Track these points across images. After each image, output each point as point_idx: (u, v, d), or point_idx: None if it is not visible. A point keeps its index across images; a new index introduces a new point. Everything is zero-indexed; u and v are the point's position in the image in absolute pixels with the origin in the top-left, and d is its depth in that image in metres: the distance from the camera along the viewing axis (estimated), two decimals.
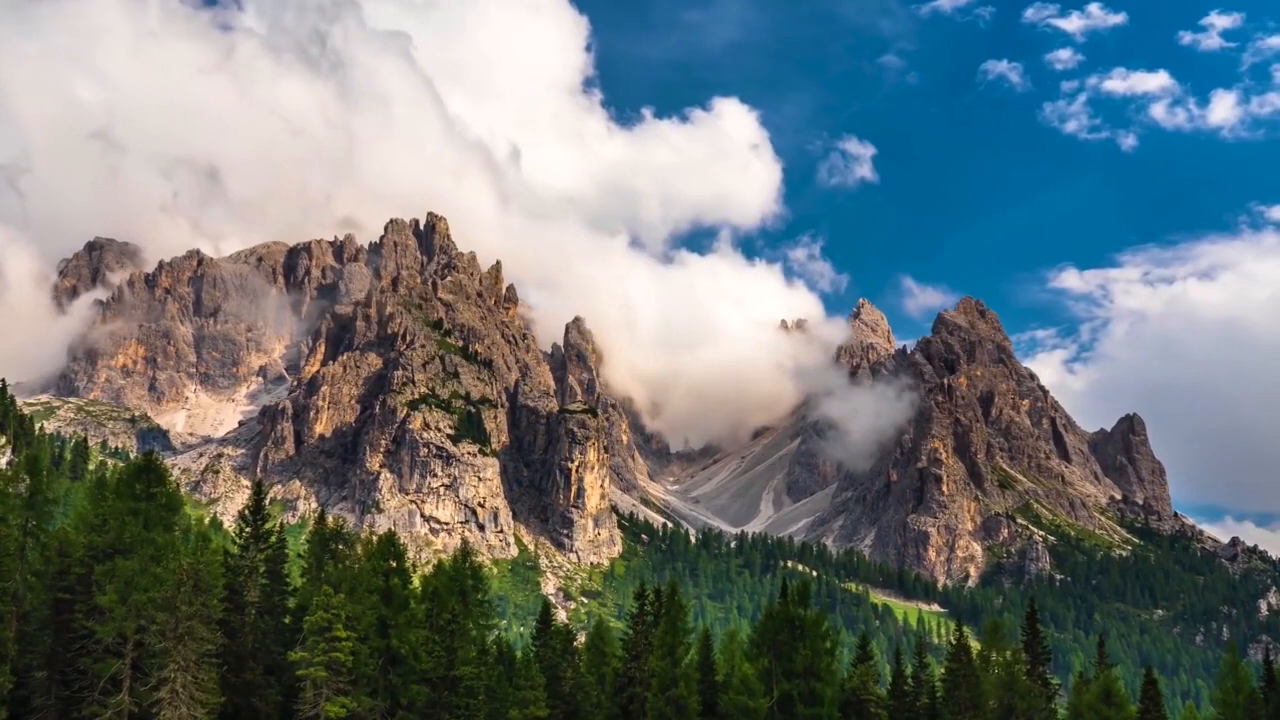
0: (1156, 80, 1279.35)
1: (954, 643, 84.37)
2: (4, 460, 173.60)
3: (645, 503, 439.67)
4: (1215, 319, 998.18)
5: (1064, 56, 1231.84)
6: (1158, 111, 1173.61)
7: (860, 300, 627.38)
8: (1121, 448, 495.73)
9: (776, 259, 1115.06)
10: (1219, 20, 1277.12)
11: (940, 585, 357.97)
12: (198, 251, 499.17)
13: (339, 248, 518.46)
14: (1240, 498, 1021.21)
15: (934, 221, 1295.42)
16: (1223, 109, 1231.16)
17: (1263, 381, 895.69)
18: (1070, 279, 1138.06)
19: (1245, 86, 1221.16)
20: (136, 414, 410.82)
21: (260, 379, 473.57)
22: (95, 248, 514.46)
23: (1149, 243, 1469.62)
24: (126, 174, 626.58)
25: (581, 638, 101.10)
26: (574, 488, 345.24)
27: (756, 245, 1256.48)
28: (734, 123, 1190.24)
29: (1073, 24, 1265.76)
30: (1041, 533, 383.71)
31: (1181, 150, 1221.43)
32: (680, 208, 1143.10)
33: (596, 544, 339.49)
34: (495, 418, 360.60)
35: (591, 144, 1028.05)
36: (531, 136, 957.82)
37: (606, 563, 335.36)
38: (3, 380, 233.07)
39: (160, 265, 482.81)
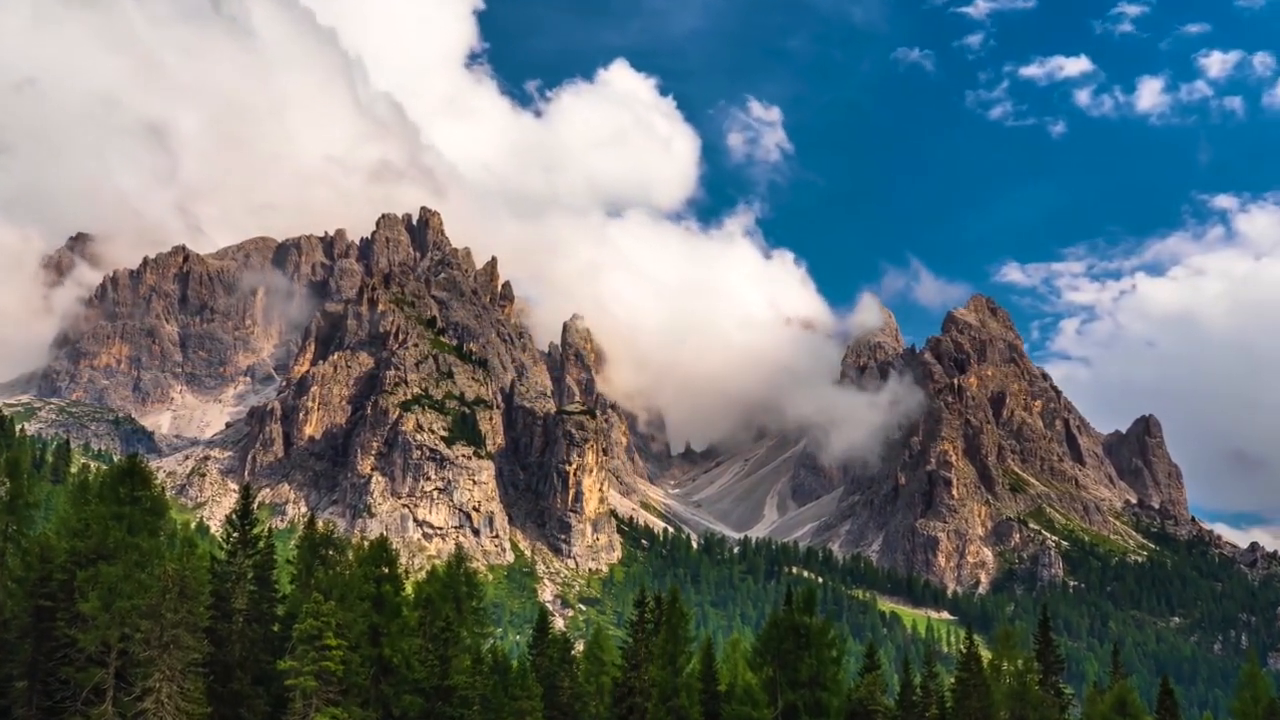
0: (1077, 65, 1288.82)
1: (964, 651, 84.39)
2: None
3: (645, 507, 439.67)
4: (1168, 314, 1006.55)
5: (974, 42, 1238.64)
6: (1082, 98, 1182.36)
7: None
8: (1137, 450, 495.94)
9: (714, 229, 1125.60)
10: (1130, 9, 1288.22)
11: (950, 592, 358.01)
12: (184, 248, 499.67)
13: (329, 244, 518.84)
14: (1215, 497, 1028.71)
15: (859, 219, 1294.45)
16: (1150, 96, 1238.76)
17: (1221, 377, 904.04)
18: (1013, 273, 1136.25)
19: (1171, 73, 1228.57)
20: (120, 415, 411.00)
21: (248, 379, 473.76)
22: (78, 242, 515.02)
23: (1092, 235, 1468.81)
24: (75, 143, 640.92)
25: (579, 646, 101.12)
26: (572, 491, 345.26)
27: (682, 216, 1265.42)
28: (631, 85, 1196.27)
29: (978, 9, 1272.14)
30: (1054, 538, 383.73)
31: (1113, 138, 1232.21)
32: (604, 183, 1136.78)
33: (595, 549, 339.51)
34: (490, 419, 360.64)
35: (497, 120, 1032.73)
36: (429, 110, 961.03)
37: (605, 569, 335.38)
38: None
39: (145, 261, 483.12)
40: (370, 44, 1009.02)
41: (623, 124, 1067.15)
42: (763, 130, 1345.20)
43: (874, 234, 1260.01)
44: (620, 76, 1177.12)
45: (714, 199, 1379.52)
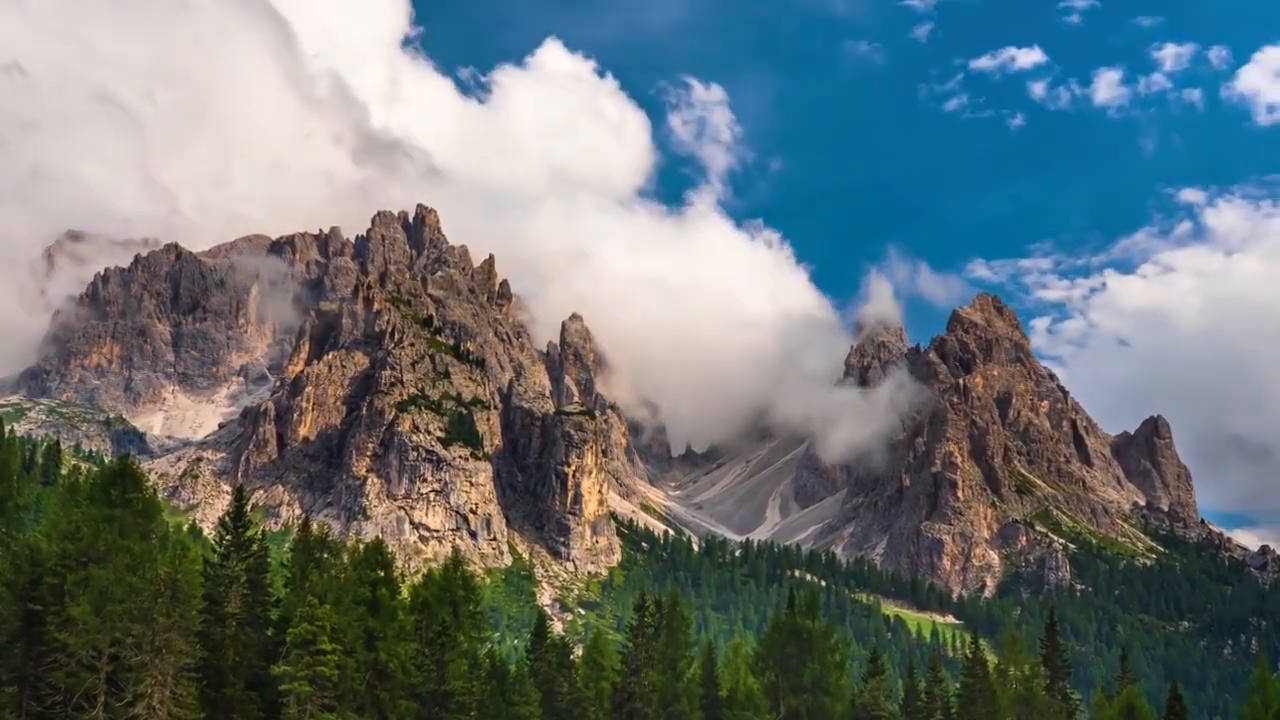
0: (1030, 57, 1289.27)
1: (969, 656, 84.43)
2: None
3: (645, 509, 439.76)
4: (1141, 311, 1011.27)
5: (921, 34, 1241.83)
6: (1038, 90, 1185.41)
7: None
8: (1145, 451, 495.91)
9: (686, 212, 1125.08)
10: (1078, 2, 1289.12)
11: (955, 596, 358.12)
12: (175, 245, 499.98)
13: (324, 241, 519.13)
14: (1201, 499, 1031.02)
15: (821, 213, 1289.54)
16: (1107, 88, 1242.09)
17: (1198, 376, 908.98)
18: (979, 269, 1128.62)
19: (1127, 65, 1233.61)
20: (111, 415, 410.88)
21: (241, 379, 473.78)
22: (66, 240, 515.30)
23: (1058, 231, 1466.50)
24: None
25: (578, 651, 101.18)
26: (571, 493, 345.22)
27: (648, 199, 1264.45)
28: (569, 67, 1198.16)
29: (924, 1, 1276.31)
30: (1061, 540, 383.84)
31: (1073, 132, 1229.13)
32: (566, 169, 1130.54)
33: (594, 552, 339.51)
34: (488, 420, 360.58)
35: (446, 107, 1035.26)
36: (374, 93, 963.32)
37: (605, 572, 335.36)
38: None
39: (136, 259, 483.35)
40: (300, 20, 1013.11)
41: (571, 107, 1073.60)
42: (709, 110, 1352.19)
43: (839, 230, 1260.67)
44: (554, 58, 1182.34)
45: (673, 181, 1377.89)
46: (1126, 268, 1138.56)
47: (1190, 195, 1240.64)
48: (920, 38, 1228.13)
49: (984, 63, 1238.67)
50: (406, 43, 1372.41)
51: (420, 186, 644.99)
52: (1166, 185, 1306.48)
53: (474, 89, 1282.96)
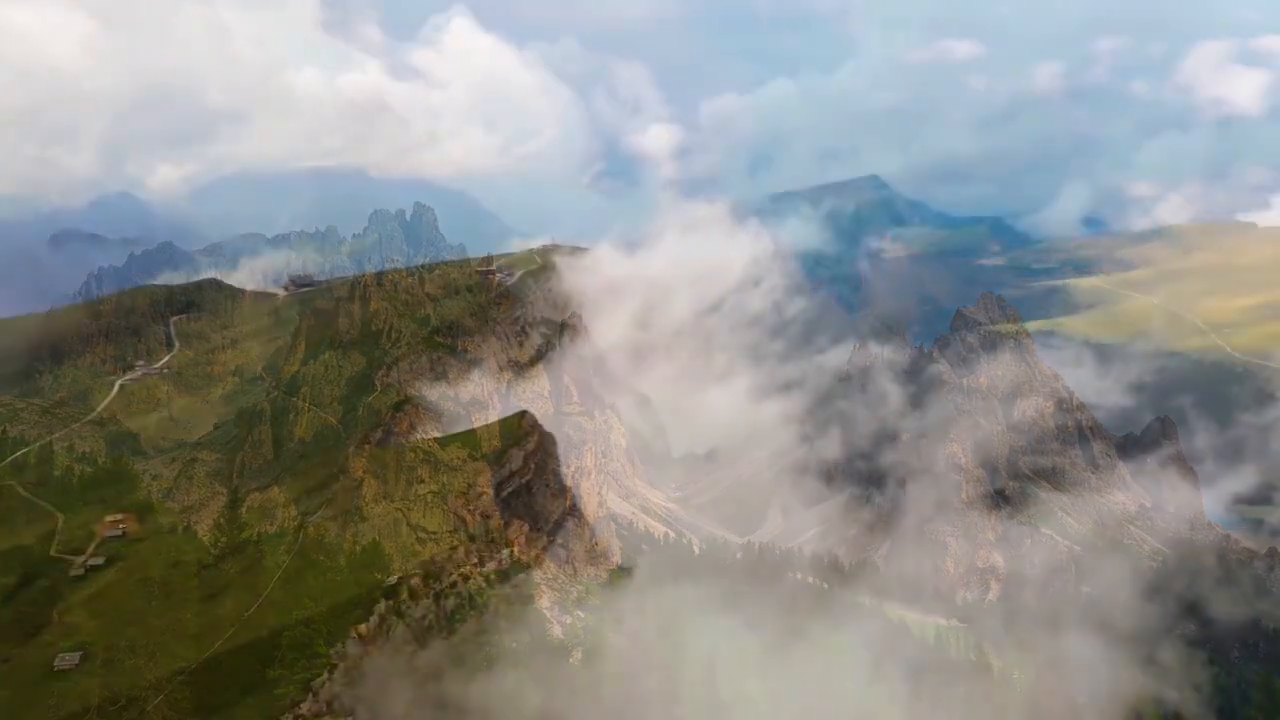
0: (966, 49, 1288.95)
1: (974, 659, 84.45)
2: None
3: (645, 510, 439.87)
4: (1106, 309, 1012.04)
5: (855, 24, 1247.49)
6: (977, 84, 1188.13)
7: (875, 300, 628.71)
8: (1152, 452, 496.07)
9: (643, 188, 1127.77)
10: None
11: (959, 598, 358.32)
12: (170, 244, 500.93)
13: (320, 239, 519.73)
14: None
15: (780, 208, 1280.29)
16: (1047, 79, 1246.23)
17: (1171, 375, 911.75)
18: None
19: (1067, 58, 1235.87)
20: (105, 416, 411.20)
21: (236, 379, 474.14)
22: (60, 240, 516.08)
23: (1014, 229, 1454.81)
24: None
25: (578, 654, 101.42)
26: (570, 494, 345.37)
27: (603, 176, 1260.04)
28: (485, 43, 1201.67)
29: None
30: (1067, 543, 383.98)
31: (1018, 124, 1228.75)
32: (514, 150, 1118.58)
33: (594, 554, 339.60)
34: (486, 419, 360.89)
35: (381, 91, 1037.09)
36: (307, 76, 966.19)
37: (604, 574, 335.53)
38: None
39: (130, 257, 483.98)
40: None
41: (504, 86, 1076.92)
42: (637, 89, 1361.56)
43: (806, 221, 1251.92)
44: (469, 35, 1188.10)
45: (624, 162, 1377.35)
46: (1084, 267, 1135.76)
47: (1144, 189, 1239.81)
48: (853, 29, 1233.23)
49: (919, 55, 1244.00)
50: (327, 26, 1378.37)
51: (419, 154, 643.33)
52: (1119, 180, 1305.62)
53: (402, 71, 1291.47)
